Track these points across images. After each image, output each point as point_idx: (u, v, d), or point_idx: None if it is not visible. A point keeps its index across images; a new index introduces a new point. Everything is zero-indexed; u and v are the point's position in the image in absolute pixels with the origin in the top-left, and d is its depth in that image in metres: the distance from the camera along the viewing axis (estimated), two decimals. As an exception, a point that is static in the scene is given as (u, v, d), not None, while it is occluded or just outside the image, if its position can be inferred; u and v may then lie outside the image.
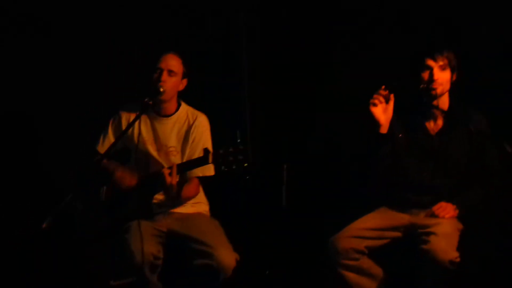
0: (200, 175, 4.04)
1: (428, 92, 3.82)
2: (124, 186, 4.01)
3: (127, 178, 4.02)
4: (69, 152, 4.55)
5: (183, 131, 4.16)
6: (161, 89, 4.00)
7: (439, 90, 3.80)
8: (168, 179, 3.83)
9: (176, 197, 3.94)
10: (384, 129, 3.85)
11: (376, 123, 3.83)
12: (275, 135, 4.89)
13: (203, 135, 4.15)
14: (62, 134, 4.66)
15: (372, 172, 3.95)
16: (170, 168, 3.86)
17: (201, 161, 3.84)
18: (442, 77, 3.81)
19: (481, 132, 3.78)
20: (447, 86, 3.84)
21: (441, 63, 3.80)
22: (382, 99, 3.80)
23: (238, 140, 3.72)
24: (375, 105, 3.81)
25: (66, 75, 4.73)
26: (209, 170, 4.00)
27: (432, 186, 3.88)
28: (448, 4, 4.39)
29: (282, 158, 4.63)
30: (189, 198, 4.10)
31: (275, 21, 4.99)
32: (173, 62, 4.08)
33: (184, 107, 4.21)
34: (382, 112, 3.82)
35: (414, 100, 3.93)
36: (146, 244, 3.78)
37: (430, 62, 3.81)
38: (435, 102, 3.84)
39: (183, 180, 3.97)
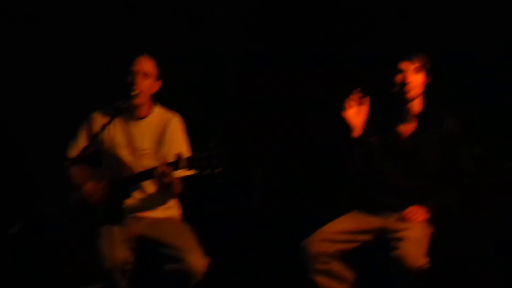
0: (180, 175, 3.97)
1: (401, 95, 3.82)
2: (91, 200, 3.99)
3: (95, 192, 3.99)
4: (41, 156, 4.52)
5: (158, 133, 4.12)
6: (135, 92, 3.98)
7: (412, 93, 3.80)
8: (165, 180, 3.78)
9: (176, 189, 3.97)
10: (357, 132, 3.85)
11: (348, 127, 3.84)
12: (248, 138, 4.89)
13: (178, 135, 4.12)
14: (33, 138, 4.63)
15: (346, 175, 3.94)
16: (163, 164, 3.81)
17: (173, 166, 3.81)
18: (415, 80, 3.81)
19: (452, 134, 3.79)
20: (419, 89, 3.84)
21: (414, 66, 3.80)
22: (355, 102, 3.81)
23: (212, 144, 3.70)
24: (348, 108, 3.82)
25: (39, 78, 4.70)
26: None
27: (404, 189, 3.88)
28: (421, 7, 4.40)
29: (255, 162, 4.64)
30: (176, 195, 4.09)
31: (253, 25, 4.99)
32: (146, 65, 4.06)
33: (158, 108, 4.19)
34: (355, 115, 3.83)
35: (387, 103, 3.93)
36: (116, 249, 3.75)
37: (403, 65, 3.81)
38: (407, 105, 3.84)
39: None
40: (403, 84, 3.80)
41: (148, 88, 4.06)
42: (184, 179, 4.05)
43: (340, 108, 3.82)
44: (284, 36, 4.91)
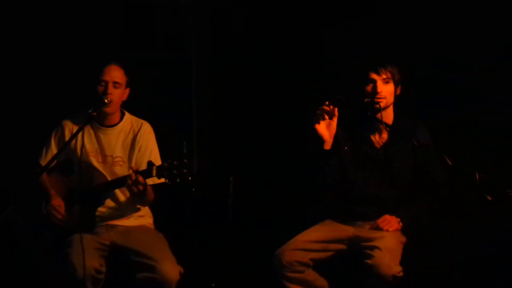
0: (151, 183, 3.97)
1: (372, 105, 3.84)
2: (55, 219, 3.96)
3: (60, 211, 3.96)
4: (11, 164, 4.46)
5: (129, 141, 4.12)
6: (107, 101, 3.96)
7: (382, 103, 3.83)
8: (141, 178, 3.76)
9: (148, 201, 3.97)
10: (328, 145, 3.85)
11: (320, 139, 3.84)
12: (222, 147, 4.88)
13: (149, 142, 4.12)
14: (3, 146, 4.56)
15: (319, 185, 3.95)
16: (139, 172, 3.80)
17: (145, 175, 3.80)
18: (385, 90, 3.84)
19: (424, 145, 3.81)
20: (390, 99, 3.87)
21: (384, 76, 3.84)
22: (325, 115, 3.81)
23: (185, 152, 3.69)
24: (318, 121, 3.82)
25: (7, 85, 4.64)
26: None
27: (377, 198, 3.90)
28: (392, 18, 4.44)
29: (228, 171, 4.63)
30: (148, 203, 4.06)
31: (224, 30, 4.98)
32: (116, 73, 4.04)
33: (128, 116, 4.18)
34: (326, 128, 3.83)
35: (359, 113, 3.94)
36: (88, 257, 3.70)
37: (374, 76, 3.84)
38: (379, 116, 3.85)
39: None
40: (373, 94, 3.82)
41: (119, 97, 4.06)
42: (156, 187, 4.04)
43: (311, 120, 3.83)
44: (256, 44, 4.90)
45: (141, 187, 3.78)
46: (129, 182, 3.77)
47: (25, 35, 4.67)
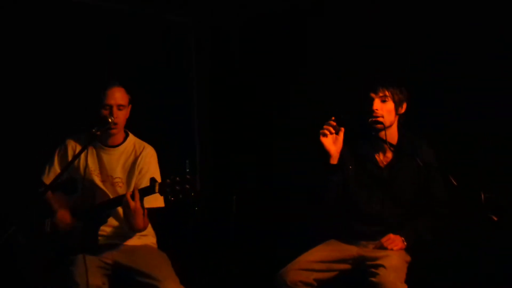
0: (147, 206, 3.95)
1: (374, 125, 3.85)
2: (63, 230, 3.95)
3: (67, 221, 3.97)
4: (14, 182, 4.44)
5: (130, 162, 4.11)
6: (113, 124, 3.96)
7: (381, 120, 3.83)
8: (132, 204, 3.76)
9: (140, 223, 3.86)
10: (334, 160, 3.87)
11: (326, 154, 3.85)
12: (225, 165, 4.87)
13: (150, 166, 4.10)
14: (6, 164, 4.55)
15: (323, 203, 3.94)
16: (132, 191, 3.79)
17: (148, 191, 3.79)
18: (382, 108, 3.86)
19: (428, 164, 3.81)
20: (389, 118, 3.88)
21: (381, 94, 3.86)
22: (332, 129, 3.83)
23: (187, 170, 3.69)
24: (325, 135, 3.84)
25: (10, 103, 4.64)
26: (157, 201, 3.96)
27: (381, 217, 3.90)
28: (397, 37, 4.45)
29: (231, 189, 4.62)
30: (139, 230, 4.00)
31: (225, 48, 4.99)
32: (120, 95, 4.03)
33: (131, 138, 4.17)
34: (332, 143, 3.85)
35: (364, 132, 3.95)
36: (91, 276, 3.69)
37: (372, 94, 3.87)
38: (383, 136, 3.85)
39: (143, 207, 3.89)
40: (370, 112, 3.84)
41: (124, 118, 4.06)
42: (152, 211, 4.02)
43: (318, 134, 3.84)
44: (255, 59, 4.91)
45: (135, 206, 3.77)
46: (124, 200, 3.77)
47: (28, 51, 4.67)
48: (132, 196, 3.77)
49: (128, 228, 3.92)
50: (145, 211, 3.96)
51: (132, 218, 3.82)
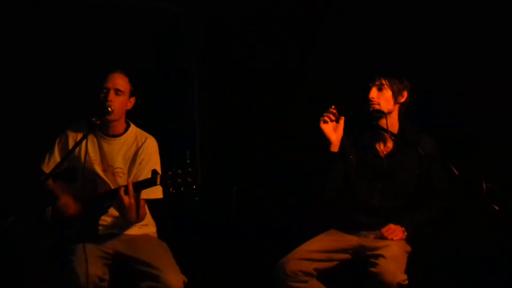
0: (146, 197, 3.96)
1: (374, 114, 3.85)
2: (68, 214, 3.94)
3: (71, 206, 3.96)
4: (14, 171, 4.44)
5: (131, 153, 4.10)
6: (109, 109, 3.95)
7: (377, 108, 3.85)
8: (126, 199, 3.77)
9: (134, 217, 3.85)
10: (334, 148, 3.88)
11: (327, 141, 3.86)
12: (224, 156, 4.87)
13: (151, 157, 4.09)
14: (6, 153, 4.55)
15: (323, 192, 3.94)
16: (125, 186, 3.80)
17: (149, 182, 3.78)
18: (379, 97, 3.87)
19: (429, 154, 3.81)
20: (387, 106, 3.88)
21: (377, 83, 3.88)
22: (332, 116, 3.84)
23: (188, 161, 3.68)
24: (325, 122, 3.85)
25: (11, 92, 4.64)
26: (156, 193, 3.96)
27: (381, 208, 3.90)
28: (398, 29, 4.45)
29: (231, 180, 4.62)
30: (133, 223, 3.99)
31: (225, 40, 4.99)
32: (119, 81, 4.03)
33: (133, 128, 4.17)
34: (333, 130, 3.87)
35: (364, 122, 3.95)
36: (91, 265, 3.68)
37: (370, 83, 3.89)
38: (384, 125, 3.86)
39: (138, 200, 3.89)
40: (367, 100, 3.87)
41: (121, 104, 4.04)
42: (150, 202, 4.03)
43: (318, 120, 3.85)
44: (255, 52, 4.91)
45: (131, 200, 3.77)
46: (121, 192, 3.77)
47: (32, 42, 4.67)
48: (126, 191, 3.77)
49: (123, 221, 3.92)
50: (143, 202, 3.98)
51: (125, 212, 3.82)
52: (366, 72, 3.96)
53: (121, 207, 3.82)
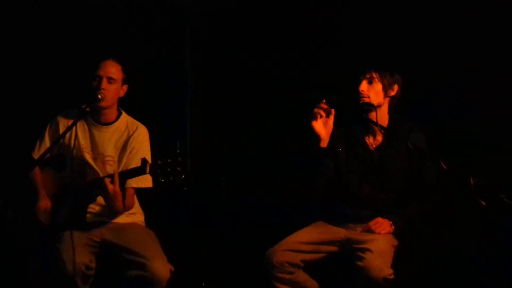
0: (135, 186, 3.97)
1: (364, 107, 3.85)
2: (43, 219, 3.95)
3: (45, 214, 3.96)
4: (3, 158, 4.43)
5: (122, 141, 4.09)
6: (100, 96, 3.94)
7: (367, 101, 3.85)
8: (111, 187, 3.76)
9: (120, 206, 3.85)
10: (324, 143, 3.88)
11: (316, 137, 3.86)
12: (215, 147, 4.87)
13: (142, 146, 4.09)
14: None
15: (313, 185, 3.94)
16: (111, 176, 3.79)
17: (139, 171, 3.78)
18: (369, 90, 3.88)
19: (418, 148, 3.80)
20: (377, 99, 3.88)
21: (368, 76, 3.89)
22: (322, 112, 3.83)
23: (178, 151, 3.68)
24: (315, 119, 3.84)
25: (2, 78, 4.62)
26: (145, 181, 3.97)
27: (370, 201, 3.90)
28: (391, 23, 4.45)
29: (221, 170, 4.62)
30: (119, 212, 3.99)
31: (220, 30, 4.97)
32: (112, 69, 4.03)
33: (124, 116, 4.16)
34: (322, 126, 3.86)
35: (354, 115, 3.95)
36: (78, 253, 3.68)
37: (360, 76, 3.90)
38: (374, 118, 3.86)
39: (124, 189, 3.90)
40: (357, 92, 3.87)
41: (114, 92, 4.04)
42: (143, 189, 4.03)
43: (309, 117, 3.84)
44: (250, 44, 4.90)
45: (116, 188, 3.77)
46: (106, 181, 3.77)
47: (23, 29, 4.66)
48: (112, 180, 3.77)
49: (108, 210, 3.92)
50: (132, 191, 3.99)
51: (111, 201, 3.82)
52: (357, 65, 3.96)
53: (106, 197, 3.82)
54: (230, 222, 4.61)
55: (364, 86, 3.88)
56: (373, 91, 3.88)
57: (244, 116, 4.86)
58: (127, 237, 3.89)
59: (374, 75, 3.88)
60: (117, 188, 3.77)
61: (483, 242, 4.02)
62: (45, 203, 3.98)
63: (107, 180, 3.77)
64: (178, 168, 3.65)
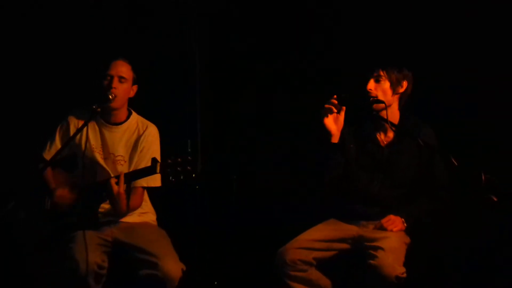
0: (145, 185, 3.99)
1: (375, 104, 3.85)
2: (64, 205, 3.95)
3: (66, 197, 3.96)
4: (14, 158, 4.45)
5: (132, 141, 4.10)
6: (111, 96, 3.95)
7: (373, 99, 3.85)
8: (115, 188, 3.78)
9: (123, 208, 3.86)
10: (335, 139, 3.88)
11: (327, 133, 3.87)
12: (225, 146, 4.87)
13: (152, 145, 4.10)
14: (7, 140, 4.56)
15: (324, 183, 3.94)
16: (117, 177, 3.81)
17: (149, 171, 3.80)
18: (376, 88, 3.88)
19: (429, 145, 3.79)
20: (385, 97, 3.88)
21: (375, 74, 3.89)
22: (333, 108, 3.84)
23: (189, 150, 3.69)
24: (326, 115, 3.84)
25: (12, 78, 4.64)
26: (155, 181, 3.98)
27: (380, 198, 3.90)
28: (399, 20, 4.44)
29: (232, 169, 4.62)
30: (133, 209, 4.02)
31: (228, 30, 4.98)
32: (123, 69, 4.04)
33: (134, 116, 4.17)
34: (333, 121, 3.87)
35: (365, 112, 3.95)
36: (90, 253, 3.69)
37: (368, 75, 3.90)
38: (384, 115, 3.85)
39: (130, 190, 3.91)
40: (365, 90, 3.87)
41: (125, 92, 4.05)
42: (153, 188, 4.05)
43: (319, 113, 3.85)
44: (258, 44, 4.90)
45: (121, 190, 3.78)
46: (111, 181, 3.78)
47: (33, 29, 4.68)
48: (117, 182, 3.78)
49: (113, 211, 3.92)
50: (141, 190, 4.01)
51: (114, 202, 3.83)
52: (366, 63, 3.97)
53: (110, 197, 3.83)
54: (241, 220, 4.61)
55: (371, 84, 3.88)
56: (381, 89, 3.88)
57: (255, 113, 4.86)
58: (139, 236, 3.90)
59: (381, 73, 3.88)
60: (122, 190, 3.79)
61: (495, 240, 4.00)
62: (61, 191, 3.98)
63: (113, 181, 3.79)
64: (189, 167, 3.66)
